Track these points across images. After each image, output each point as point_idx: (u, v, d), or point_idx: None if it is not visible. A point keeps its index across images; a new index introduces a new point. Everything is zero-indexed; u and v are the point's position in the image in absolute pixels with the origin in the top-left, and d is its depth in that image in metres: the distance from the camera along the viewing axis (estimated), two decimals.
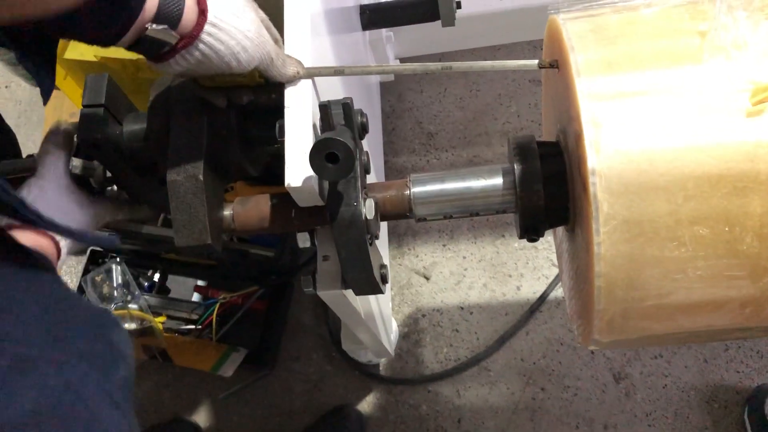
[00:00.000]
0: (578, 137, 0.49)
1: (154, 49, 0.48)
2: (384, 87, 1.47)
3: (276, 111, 0.60)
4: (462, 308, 1.27)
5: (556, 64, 0.57)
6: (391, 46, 1.34)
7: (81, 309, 0.36)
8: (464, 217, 0.62)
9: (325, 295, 0.66)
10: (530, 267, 1.29)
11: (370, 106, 1.34)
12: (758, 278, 0.48)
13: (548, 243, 1.30)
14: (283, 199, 0.62)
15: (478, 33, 1.38)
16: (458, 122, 1.44)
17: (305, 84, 0.59)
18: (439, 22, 1.07)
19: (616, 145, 0.47)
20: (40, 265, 0.36)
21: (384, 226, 1.26)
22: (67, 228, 0.37)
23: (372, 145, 1.26)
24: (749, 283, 0.48)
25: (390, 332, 1.20)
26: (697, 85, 0.48)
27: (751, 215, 0.46)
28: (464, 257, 1.31)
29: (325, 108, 0.55)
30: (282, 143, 0.58)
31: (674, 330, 0.53)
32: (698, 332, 0.54)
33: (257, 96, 0.61)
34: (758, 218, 0.46)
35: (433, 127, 1.44)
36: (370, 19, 1.10)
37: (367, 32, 1.21)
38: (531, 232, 0.60)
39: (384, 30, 1.29)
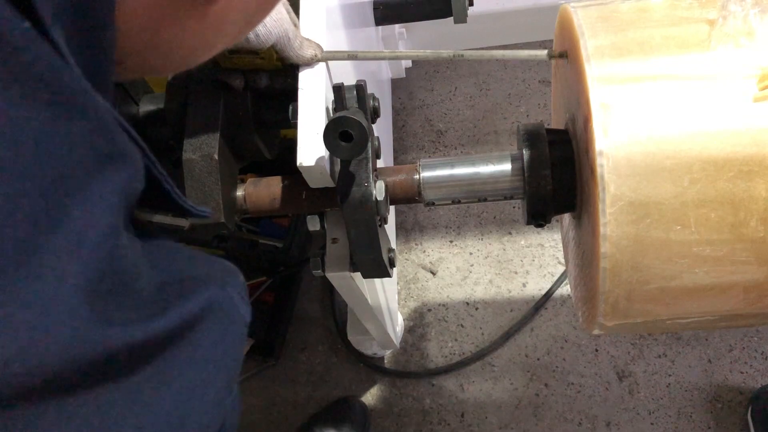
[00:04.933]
0: (587, 120, 0.50)
1: None
2: (395, 84, 1.48)
3: (291, 95, 0.61)
4: (467, 304, 1.28)
5: (565, 55, 0.58)
6: (404, 42, 1.35)
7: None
8: (472, 202, 0.63)
9: (333, 277, 0.67)
10: (536, 264, 1.30)
11: (380, 103, 1.35)
12: (763, 262, 0.48)
13: (554, 241, 1.31)
14: (295, 180, 0.64)
15: (489, 31, 1.40)
16: (468, 121, 1.45)
17: (319, 67, 0.60)
18: (451, 20, 1.08)
19: (625, 128, 0.48)
20: None
21: (391, 222, 1.27)
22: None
23: (382, 141, 1.27)
24: (754, 268, 0.49)
25: (396, 324, 1.21)
26: (705, 70, 0.48)
27: (756, 199, 0.47)
28: (471, 253, 1.32)
29: (339, 89, 0.56)
30: (295, 125, 0.59)
31: (679, 314, 0.54)
32: (703, 318, 0.55)
33: (274, 80, 0.62)
34: (763, 202, 0.47)
35: (443, 125, 1.46)
36: (384, 14, 1.11)
37: (380, 28, 1.22)
38: (538, 217, 0.60)
39: (397, 26, 1.31)
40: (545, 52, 0.61)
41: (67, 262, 0.26)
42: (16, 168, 0.24)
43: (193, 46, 0.35)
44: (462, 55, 0.63)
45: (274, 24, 0.53)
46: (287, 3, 0.58)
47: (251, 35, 0.53)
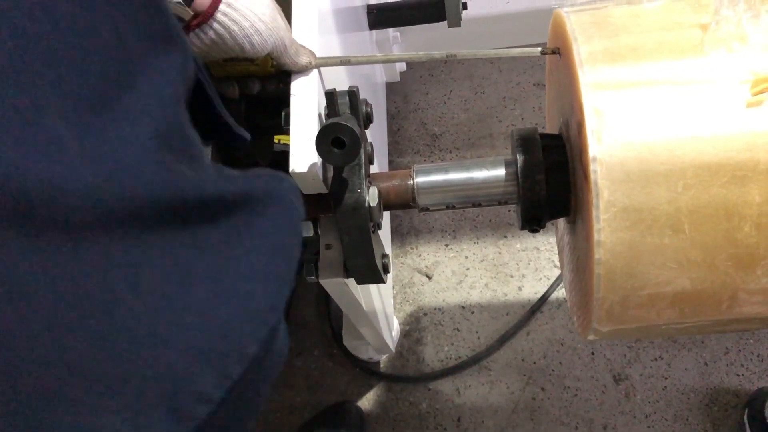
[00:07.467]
0: (580, 126, 0.49)
1: None
2: (390, 88, 1.48)
3: (284, 101, 0.61)
4: (463, 307, 1.28)
5: (558, 51, 0.58)
6: (398, 46, 1.35)
7: None
8: (467, 207, 0.63)
9: (327, 283, 0.67)
10: (532, 268, 1.29)
11: (375, 107, 1.34)
12: (756, 267, 0.48)
13: (550, 244, 1.30)
14: None
15: (483, 36, 1.39)
16: (463, 124, 1.45)
17: (312, 73, 0.60)
18: (444, 24, 1.08)
19: (618, 134, 0.48)
20: None
21: (387, 226, 1.27)
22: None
23: (377, 145, 1.27)
24: (747, 274, 0.49)
25: (391, 329, 1.20)
26: (699, 76, 0.48)
27: (750, 204, 0.46)
28: (466, 257, 1.32)
29: (331, 95, 0.56)
30: (287, 131, 0.59)
31: (674, 320, 0.54)
32: (698, 323, 0.55)
33: (266, 85, 0.62)
34: (757, 207, 0.46)
35: (438, 128, 1.45)
36: (377, 18, 1.11)
37: (374, 32, 1.22)
38: (532, 222, 0.60)
39: (391, 30, 1.30)
40: (539, 49, 0.61)
41: (139, 115, 0.28)
42: (88, 28, 0.27)
43: None
44: (455, 56, 0.63)
45: (269, 33, 0.53)
46: (280, 10, 0.57)
47: (247, 45, 0.52)
